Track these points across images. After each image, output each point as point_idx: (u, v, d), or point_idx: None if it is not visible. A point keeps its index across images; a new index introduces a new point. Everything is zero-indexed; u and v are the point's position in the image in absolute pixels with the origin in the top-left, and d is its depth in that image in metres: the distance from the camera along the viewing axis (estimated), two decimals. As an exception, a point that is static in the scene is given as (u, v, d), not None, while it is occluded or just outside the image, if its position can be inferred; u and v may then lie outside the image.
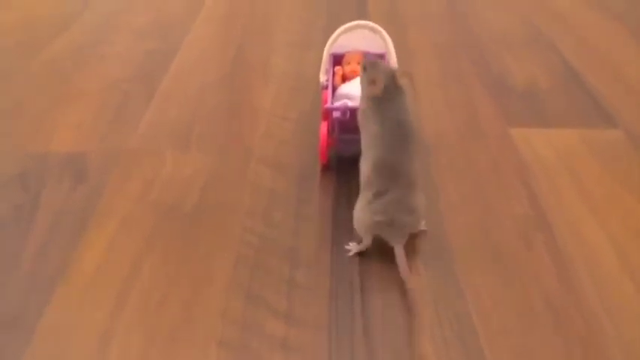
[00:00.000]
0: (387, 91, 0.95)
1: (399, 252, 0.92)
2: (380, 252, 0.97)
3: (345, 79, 1.22)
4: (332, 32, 1.28)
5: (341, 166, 1.18)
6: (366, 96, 0.97)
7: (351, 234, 1.02)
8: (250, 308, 0.88)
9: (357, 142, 1.03)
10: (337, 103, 1.13)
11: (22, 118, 1.35)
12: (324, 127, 1.15)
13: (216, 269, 0.95)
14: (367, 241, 0.97)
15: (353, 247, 0.98)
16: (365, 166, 0.96)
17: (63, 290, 0.92)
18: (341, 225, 1.03)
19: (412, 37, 1.73)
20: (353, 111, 1.08)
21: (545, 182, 1.14)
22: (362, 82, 0.99)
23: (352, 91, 1.14)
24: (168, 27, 1.83)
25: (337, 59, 1.25)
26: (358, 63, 1.19)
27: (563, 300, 0.89)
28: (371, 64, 0.97)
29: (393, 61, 1.22)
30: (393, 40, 1.33)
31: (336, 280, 0.93)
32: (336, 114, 1.09)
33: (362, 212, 0.95)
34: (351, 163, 1.16)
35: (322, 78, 1.20)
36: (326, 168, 1.18)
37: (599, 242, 0.99)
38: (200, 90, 1.45)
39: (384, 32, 1.23)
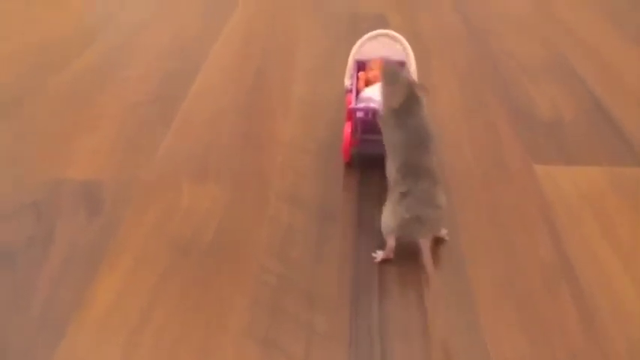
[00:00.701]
0: (405, 103, 1.02)
1: (425, 246, 0.96)
2: (400, 297, 0.94)
3: (368, 83, 1.29)
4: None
5: (363, 203, 1.15)
6: (386, 107, 1.05)
7: (371, 273, 0.99)
8: (266, 355, 0.86)
9: (379, 142, 1.10)
10: (360, 105, 1.19)
11: (38, 142, 1.34)
12: (347, 127, 1.22)
13: (232, 311, 0.93)
14: (391, 244, 1.01)
15: (379, 255, 1.02)
16: (389, 169, 1.03)
17: (76, 327, 0.90)
18: (361, 265, 1.01)
19: (434, 64, 1.70)
20: (375, 112, 1.15)
21: (570, 223, 1.11)
22: (382, 93, 1.07)
23: (374, 95, 1.19)
24: (189, 47, 1.81)
25: (361, 65, 1.33)
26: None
27: (589, 355, 0.86)
28: (390, 75, 1.05)
29: (412, 68, 1.28)
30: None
31: (356, 327, 0.90)
32: (359, 114, 1.18)
33: (390, 212, 1.00)
34: (374, 201, 1.14)
35: (347, 82, 1.28)
36: (348, 166, 1.25)
37: (626, 291, 0.96)
38: (218, 116, 1.44)
39: (404, 40, 1.30)
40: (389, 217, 1.00)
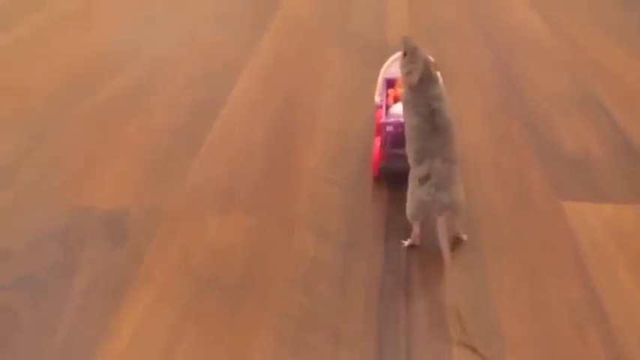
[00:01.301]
0: (422, 80, 1.07)
1: (442, 229, 1.01)
2: (428, 333, 0.93)
3: (396, 100, 1.34)
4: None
5: (389, 236, 1.14)
6: (405, 84, 1.09)
7: (398, 307, 0.98)
8: (291, 394, 0.85)
9: (406, 157, 1.13)
10: (390, 119, 1.25)
11: (66, 169, 1.34)
12: (377, 141, 1.28)
13: (257, 346, 0.92)
14: (416, 230, 1.08)
15: (406, 242, 1.10)
16: (410, 153, 1.08)
17: (100, 359, 0.89)
18: (388, 300, 1.00)
19: (461, 96, 1.70)
20: (404, 126, 1.15)
21: (599, 261, 1.09)
22: (401, 70, 1.11)
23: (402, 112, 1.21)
24: (217, 75, 1.82)
25: (390, 83, 1.41)
26: None
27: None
28: (411, 50, 1.09)
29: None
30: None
31: (381, 366, 0.89)
32: (389, 128, 1.23)
33: (411, 196, 1.06)
34: (401, 235, 1.13)
35: (377, 99, 1.34)
36: (377, 180, 1.31)
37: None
38: (245, 146, 1.44)
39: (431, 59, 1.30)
40: (409, 204, 1.07)
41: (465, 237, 1.12)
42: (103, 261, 1.09)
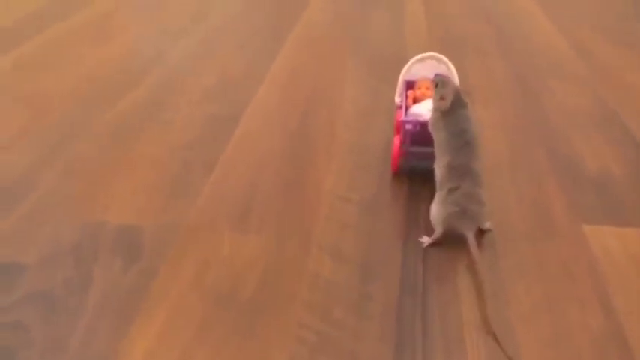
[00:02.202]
0: (453, 106, 1.15)
1: (471, 237, 1.09)
2: (446, 354, 0.91)
3: (416, 100, 1.41)
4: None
5: (407, 259, 1.12)
6: (436, 109, 1.18)
7: (413, 331, 0.96)
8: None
9: (425, 155, 1.30)
10: (409, 118, 1.31)
11: (80, 182, 1.34)
12: (396, 139, 1.34)
13: (270, 371, 0.90)
14: (438, 233, 1.14)
15: (426, 240, 1.15)
16: (438, 169, 1.16)
17: (109, 383, 0.88)
18: (405, 324, 0.97)
19: (481, 113, 1.67)
20: (423, 125, 1.27)
21: (621, 290, 1.06)
22: (434, 97, 1.19)
23: (422, 111, 1.33)
24: (234, 89, 1.81)
25: (410, 85, 1.46)
26: (427, 88, 1.40)
27: None
28: (442, 82, 1.18)
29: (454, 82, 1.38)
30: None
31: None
32: (408, 126, 1.29)
33: (438, 207, 1.13)
34: (418, 258, 1.11)
35: (397, 99, 1.42)
36: (395, 175, 1.37)
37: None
38: (261, 162, 1.42)
39: (449, 63, 1.42)
40: (437, 210, 1.14)
41: (488, 225, 1.19)
42: (115, 277, 1.07)
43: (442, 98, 1.16)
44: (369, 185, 1.34)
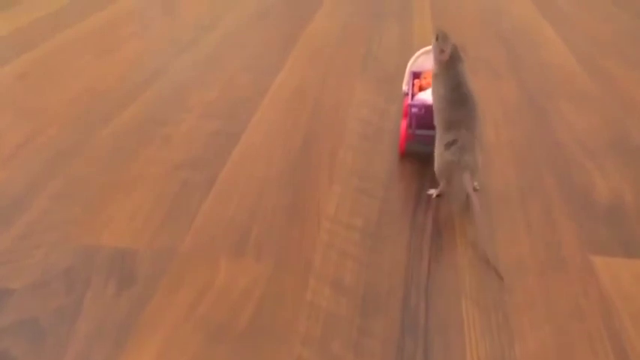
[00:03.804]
0: (451, 59, 1.27)
1: (468, 183, 1.22)
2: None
3: (422, 89, 1.51)
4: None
5: (409, 291, 1.08)
6: (436, 61, 1.29)
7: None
8: None
9: (430, 138, 1.44)
10: (415, 102, 1.42)
11: (75, 203, 1.30)
12: (404, 123, 1.47)
13: (263, 412, 0.86)
14: (443, 185, 1.30)
15: (433, 191, 1.32)
16: (437, 123, 1.28)
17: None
18: (404, 365, 0.93)
19: (490, 137, 1.63)
20: (428, 108, 1.39)
21: (633, 328, 1.02)
22: (434, 50, 1.29)
23: (427, 98, 1.44)
24: (235, 105, 1.78)
25: (416, 75, 1.59)
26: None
27: None
28: (442, 35, 1.28)
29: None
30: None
31: None
32: (414, 109, 1.40)
33: (438, 158, 1.26)
34: (421, 290, 1.07)
35: (404, 87, 1.60)
36: (402, 157, 1.48)
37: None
38: (261, 184, 1.38)
39: None
40: (438, 161, 1.26)
41: (476, 184, 1.34)
42: (107, 305, 1.04)
43: (442, 51, 1.27)
44: (370, 211, 1.29)
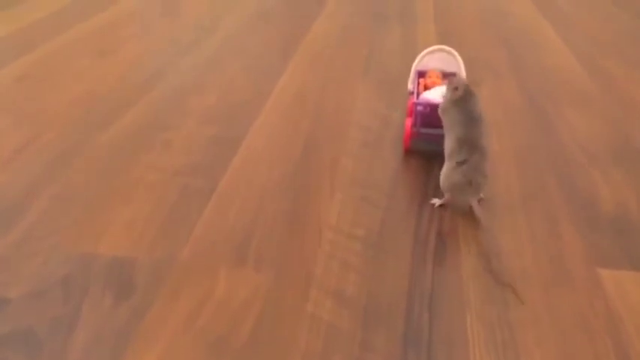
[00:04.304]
0: (464, 94, 1.31)
1: (476, 205, 1.25)
2: None
3: (426, 88, 1.56)
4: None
5: (412, 303, 1.06)
6: (450, 99, 1.33)
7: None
8: None
9: (433, 137, 1.51)
10: (421, 101, 1.46)
11: (73, 210, 1.28)
12: (408, 121, 1.51)
13: None
14: (447, 197, 1.31)
15: (436, 202, 1.33)
16: (448, 142, 1.31)
17: None
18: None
19: (493, 142, 1.61)
20: (433, 107, 1.43)
21: (639, 338, 1.00)
22: (447, 88, 1.34)
23: (431, 97, 1.47)
24: (236, 110, 1.76)
25: (421, 74, 1.63)
26: (437, 77, 1.57)
27: None
28: (454, 78, 1.35)
29: (463, 75, 1.58)
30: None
31: None
32: (419, 107, 1.44)
33: (447, 176, 1.29)
34: (425, 301, 1.05)
35: (410, 86, 1.62)
36: (406, 152, 1.54)
37: None
38: (261, 192, 1.36)
39: (457, 55, 1.60)
40: (447, 179, 1.29)
41: (482, 195, 1.36)
42: (105, 314, 1.02)
43: (456, 89, 1.32)
44: (373, 221, 1.28)
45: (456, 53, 1.61)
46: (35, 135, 1.59)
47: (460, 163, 1.27)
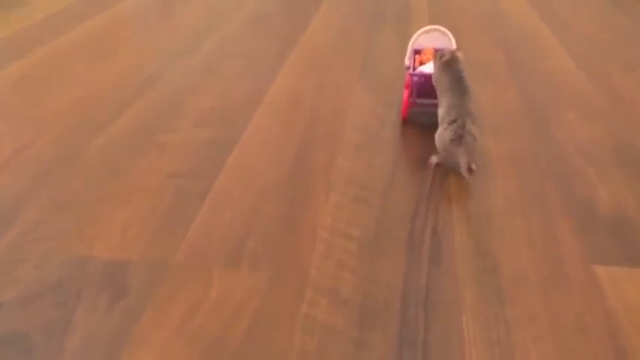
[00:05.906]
0: (450, 60, 1.50)
1: (463, 162, 1.38)
2: None
3: (422, 63, 1.72)
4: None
5: (407, 300, 1.05)
6: (439, 66, 1.51)
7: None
8: None
9: (428, 106, 1.69)
10: (416, 72, 1.63)
11: (67, 213, 1.28)
12: (406, 93, 1.67)
13: None
14: (442, 155, 1.45)
15: (434, 159, 1.48)
16: (441, 109, 1.47)
17: None
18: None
19: (490, 145, 1.61)
20: (427, 77, 1.61)
21: (636, 335, 0.99)
22: (435, 60, 1.53)
23: (425, 71, 1.63)
24: (231, 113, 1.75)
25: (417, 51, 1.78)
26: (431, 54, 1.72)
27: None
28: (439, 50, 1.55)
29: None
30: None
31: None
32: (415, 78, 1.63)
33: (440, 135, 1.43)
34: (420, 301, 1.04)
35: (407, 62, 1.73)
36: (404, 122, 1.70)
37: None
38: (256, 193, 1.36)
39: (450, 34, 1.74)
40: (440, 137, 1.43)
41: (474, 166, 1.47)
42: (99, 318, 1.01)
43: (442, 55, 1.51)
44: (368, 221, 1.27)
45: (449, 33, 1.74)
46: (29, 139, 1.59)
47: (450, 123, 1.40)
